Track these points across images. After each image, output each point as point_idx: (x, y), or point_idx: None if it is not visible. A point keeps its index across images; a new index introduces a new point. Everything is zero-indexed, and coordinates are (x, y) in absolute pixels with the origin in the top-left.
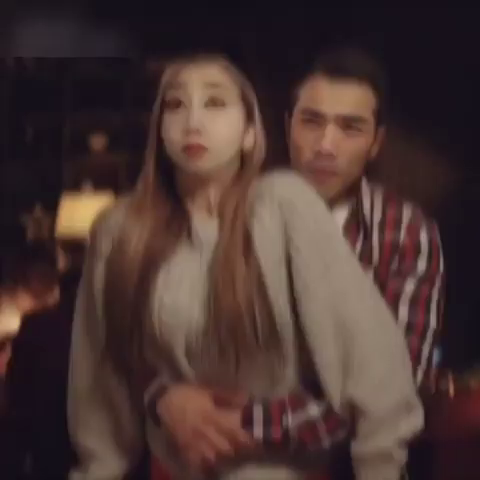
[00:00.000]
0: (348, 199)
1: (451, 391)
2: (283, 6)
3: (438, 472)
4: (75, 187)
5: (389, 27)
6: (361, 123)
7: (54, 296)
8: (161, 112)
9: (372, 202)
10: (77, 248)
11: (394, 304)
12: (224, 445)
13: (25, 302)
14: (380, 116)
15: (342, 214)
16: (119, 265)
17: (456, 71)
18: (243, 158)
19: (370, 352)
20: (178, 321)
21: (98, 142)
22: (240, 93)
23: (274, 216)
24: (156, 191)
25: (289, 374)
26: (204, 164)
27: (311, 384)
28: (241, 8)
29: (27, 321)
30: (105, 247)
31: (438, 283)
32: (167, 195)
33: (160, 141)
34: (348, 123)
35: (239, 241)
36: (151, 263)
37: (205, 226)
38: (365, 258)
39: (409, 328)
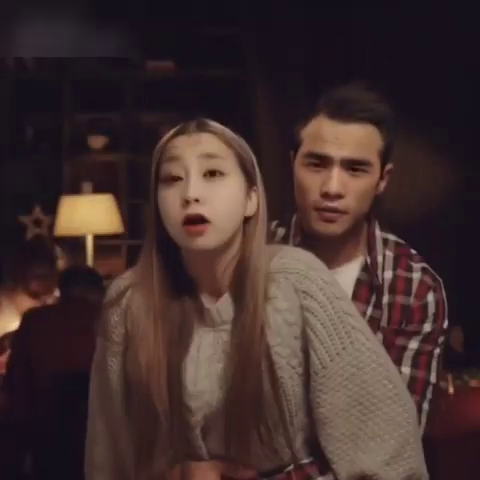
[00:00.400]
0: (359, 251)
1: (450, 390)
2: (283, 6)
3: (438, 469)
4: (75, 187)
5: (389, 27)
6: (366, 166)
7: (53, 296)
8: (156, 188)
9: (383, 257)
10: (76, 248)
11: (398, 361)
12: None
13: (24, 302)
14: (387, 155)
15: (353, 270)
16: (142, 355)
17: (456, 71)
18: (246, 225)
19: (384, 426)
20: (199, 404)
21: (98, 142)
22: (238, 159)
23: (289, 299)
24: (162, 271)
25: (297, 449)
26: (208, 241)
27: (319, 456)
28: (241, 8)
29: (27, 320)
30: (120, 332)
31: (441, 340)
32: (173, 273)
33: (160, 219)
34: (353, 166)
35: (259, 328)
36: (175, 348)
37: (217, 306)
38: (376, 320)
39: (411, 386)
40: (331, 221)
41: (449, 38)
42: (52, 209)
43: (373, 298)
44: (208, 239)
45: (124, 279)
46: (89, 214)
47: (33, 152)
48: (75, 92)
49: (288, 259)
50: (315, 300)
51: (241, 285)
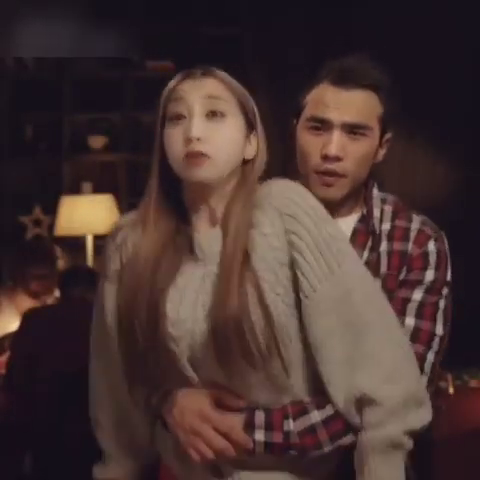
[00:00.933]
0: (358, 207)
1: (450, 390)
2: (283, 6)
3: (438, 469)
4: (75, 187)
5: (389, 27)
6: (366, 130)
7: (53, 296)
8: (162, 127)
9: (382, 212)
10: (76, 248)
11: (401, 312)
12: (221, 443)
13: (24, 302)
14: (386, 122)
15: (351, 221)
16: (129, 283)
17: (456, 71)
18: (245, 167)
19: (379, 346)
20: (181, 333)
21: (98, 142)
22: (239, 104)
23: (274, 224)
24: (161, 206)
25: (294, 384)
26: (206, 173)
27: (318, 395)
28: (241, 8)
29: (27, 320)
30: (114, 267)
31: (445, 292)
32: (172, 209)
33: (163, 156)
34: (353, 130)
35: (239, 254)
36: (160, 278)
37: (208, 238)
38: (372, 266)
39: (415, 336)
40: (330, 185)
41: (449, 38)
42: (52, 209)
43: (369, 242)
44: (206, 171)
45: (124, 217)
46: (89, 214)
47: (33, 152)
48: (75, 92)
49: (274, 186)
50: (300, 223)
51: (228, 217)
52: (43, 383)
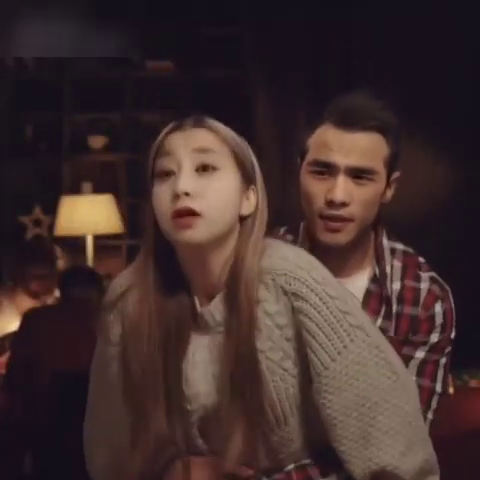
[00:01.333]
0: (367, 260)
1: (450, 390)
2: (283, 6)
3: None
4: (74, 187)
5: (389, 27)
6: (372, 174)
7: (53, 296)
8: (152, 185)
9: (391, 268)
10: (76, 248)
11: None
12: None
13: (24, 302)
14: (393, 163)
15: (360, 281)
16: (135, 365)
17: (456, 71)
18: (243, 224)
19: (394, 418)
20: (194, 407)
21: (98, 142)
22: (234, 156)
23: (279, 302)
24: (159, 272)
25: (296, 449)
26: (197, 234)
27: (319, 457)
28: (241, 8)
29: (27, 320)
30: (116, 331)
31: (448, 349)
32: (170, 276)
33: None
34: (359, 174)
35: (250, 328)
36: (171, 357)
37: (208, 308)
38: (386, 331)
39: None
40: (336, 231)
41: (449, 38)
42: (52, 209)
43: (383, 309)
44: (197, 232)
45: (122, 278)
46: (89, 214)
47: (33, 152)
48: (75, 92)
49: (275, 258)
50: (307, 302)
51: (234, 286)
52: (43, 383)
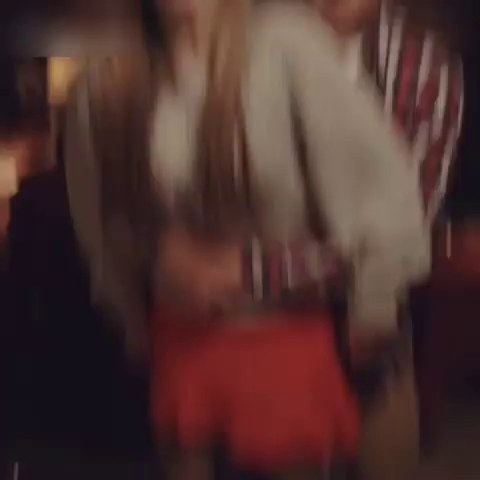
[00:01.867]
0: (365, 27)
1: (448, 248)
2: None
3: (437, 321)
4: None
5: None
6: None
7: (50, 162)
8: None
9: (390, 32)
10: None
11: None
12: (219, 298)
13: (20, 150)
14: None
15: (356, 45)
16: (104, 119)
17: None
18: None
19: (387, 176)
20: (167, 179)
21: None
22: None
23: (275, 60)
24: (137, 38)
25: (288, 227)
26: None
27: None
28: None
29: (25, 184)
30: (85, 101)
31: (455, 126)
32: (149, 39)
33: None
34: None
35: (231, 92)
36: (135, 115)
37: (191, 69)
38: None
39: (423, 169)
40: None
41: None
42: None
43: (375, 68)
44: None
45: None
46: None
47: None
48: None
49: (276, 19)
50: (305, 64)
51: (215, 46)
52: (42, 243)
